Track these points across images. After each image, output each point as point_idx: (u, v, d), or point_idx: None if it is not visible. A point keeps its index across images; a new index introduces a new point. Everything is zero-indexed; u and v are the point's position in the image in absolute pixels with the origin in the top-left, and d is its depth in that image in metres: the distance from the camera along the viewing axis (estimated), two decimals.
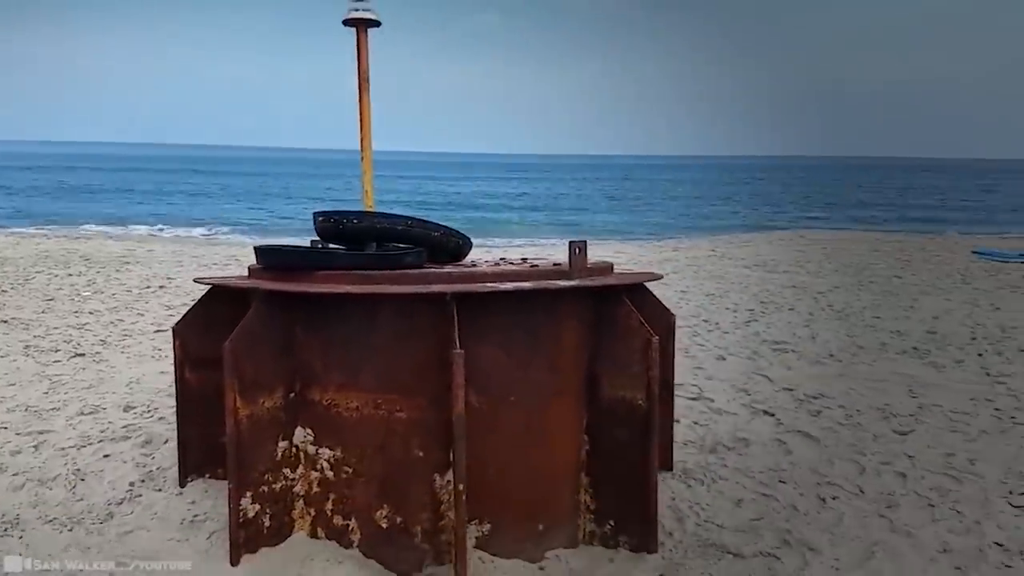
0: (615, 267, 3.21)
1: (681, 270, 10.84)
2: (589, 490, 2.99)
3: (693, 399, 4.57)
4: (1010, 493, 3.30)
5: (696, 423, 4.15)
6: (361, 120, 3.63)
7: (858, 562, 2.76)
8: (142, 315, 7.20)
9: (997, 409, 4.42)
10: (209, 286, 3.25)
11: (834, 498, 3.24)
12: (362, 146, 3.67)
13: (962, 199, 40.56)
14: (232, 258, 12.24)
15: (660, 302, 3.43)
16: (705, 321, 7.06)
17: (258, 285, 2.92)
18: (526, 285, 2.83)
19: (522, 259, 3.49)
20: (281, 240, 12.82)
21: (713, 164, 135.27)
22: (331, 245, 3.23)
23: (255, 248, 3.08)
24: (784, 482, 3.40)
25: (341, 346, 2.87)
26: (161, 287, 8.89)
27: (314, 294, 2.81)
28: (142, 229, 21.09)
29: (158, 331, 6.45)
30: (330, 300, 2.84)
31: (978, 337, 6.34)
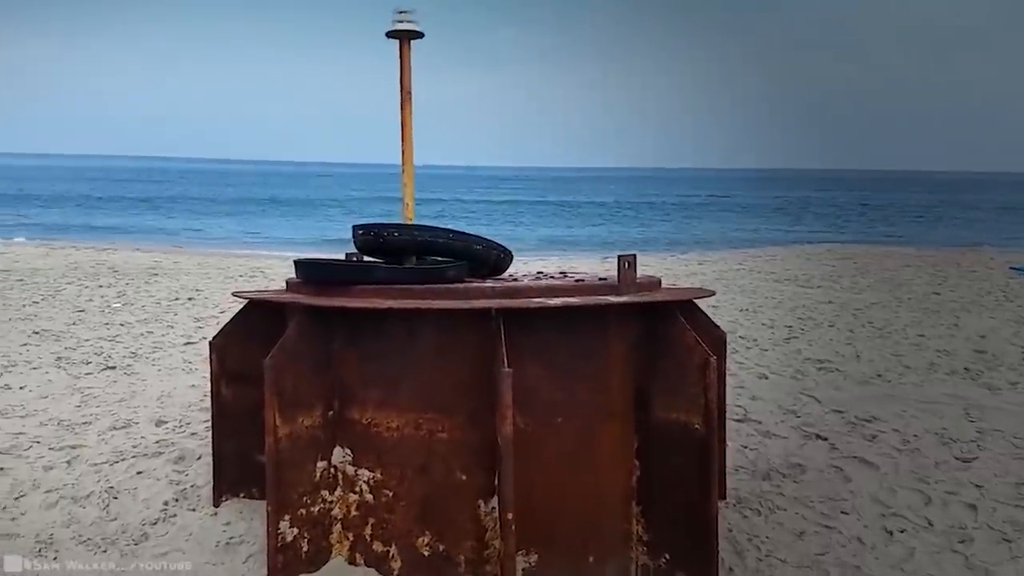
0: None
1: (710, 284, 10.61)
2: (641, 520, 2.84)
3: (739, 420, 4.39)
4: None
5: (745, 447, 3.98)
6: (403, 133, 3.54)
7: None
8: (172, 327, 7.14)
9: None
10: (246, 300, 3.16)
11: (901, 531, 3.05)
12: (403, 159, 3.58)
13: (984, 214, 39.66)
14: (257, 270, 12.21)
15: (709, 318, 3.28)
16: (742, 338, 6.86)
17: (297, 300, 2.82)
18: (574, 301, 2.70)
19: (560, 272, 3.36)
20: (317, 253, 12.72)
21: (714, 177, 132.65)
22: (366, 258, 3.13)
23: (294, 262, 2.99)
24: (846, 513, 3.22)
25: (381, 363, 2.76)
26: (190, 299, 8.86)
27: (355, 309, 2.70)
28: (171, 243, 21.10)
29: (188, 343, 6.38)
30: (370, 315, 2.73)
31: None
